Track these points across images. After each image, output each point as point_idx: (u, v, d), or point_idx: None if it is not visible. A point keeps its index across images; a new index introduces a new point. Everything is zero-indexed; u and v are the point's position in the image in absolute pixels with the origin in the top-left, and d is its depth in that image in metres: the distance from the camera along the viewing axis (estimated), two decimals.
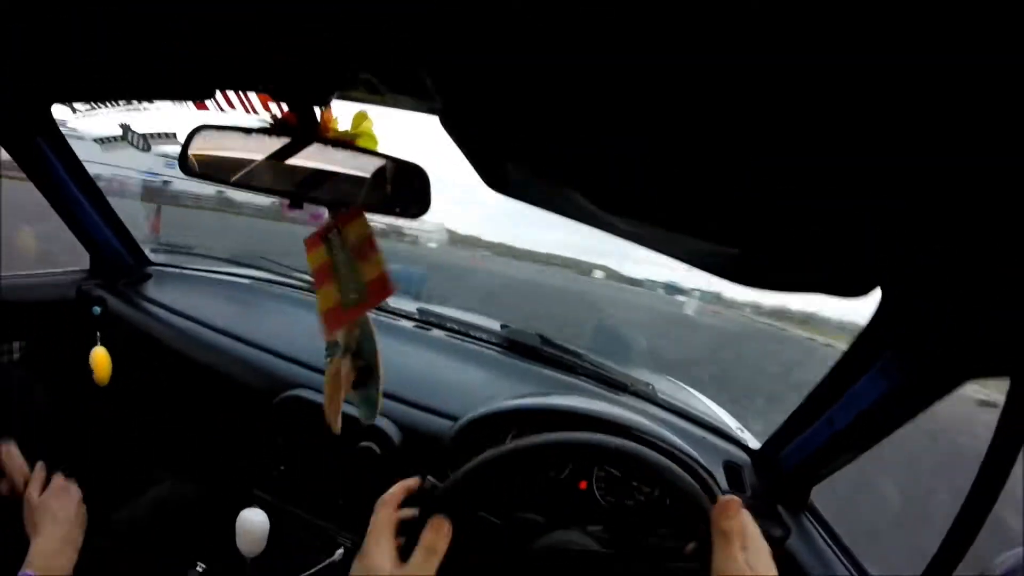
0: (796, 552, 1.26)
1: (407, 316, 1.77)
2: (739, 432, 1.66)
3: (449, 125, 0.80)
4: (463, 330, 1.75)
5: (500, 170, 0.91)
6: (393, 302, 1.83)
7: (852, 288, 0.95)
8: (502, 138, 0.82)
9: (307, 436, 1.32)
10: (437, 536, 0.69)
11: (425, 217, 0.98)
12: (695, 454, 1.25)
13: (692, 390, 2.22)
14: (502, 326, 1.78)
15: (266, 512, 1.32)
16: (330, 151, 0.92)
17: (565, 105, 0.67)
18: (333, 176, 0.95)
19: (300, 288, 1.80)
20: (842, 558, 1.23)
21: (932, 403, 1.02)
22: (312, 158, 0.93)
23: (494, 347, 1.70)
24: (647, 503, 1.22)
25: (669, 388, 2.03)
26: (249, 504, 1.34)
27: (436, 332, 1.72)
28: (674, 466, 0.85)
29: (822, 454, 1.25)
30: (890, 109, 0.45)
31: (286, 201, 0.97)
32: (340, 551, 1.32)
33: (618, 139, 0.71)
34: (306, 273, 1.81)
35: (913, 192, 0.60)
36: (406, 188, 0.96)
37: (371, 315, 1.66)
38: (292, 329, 1.57)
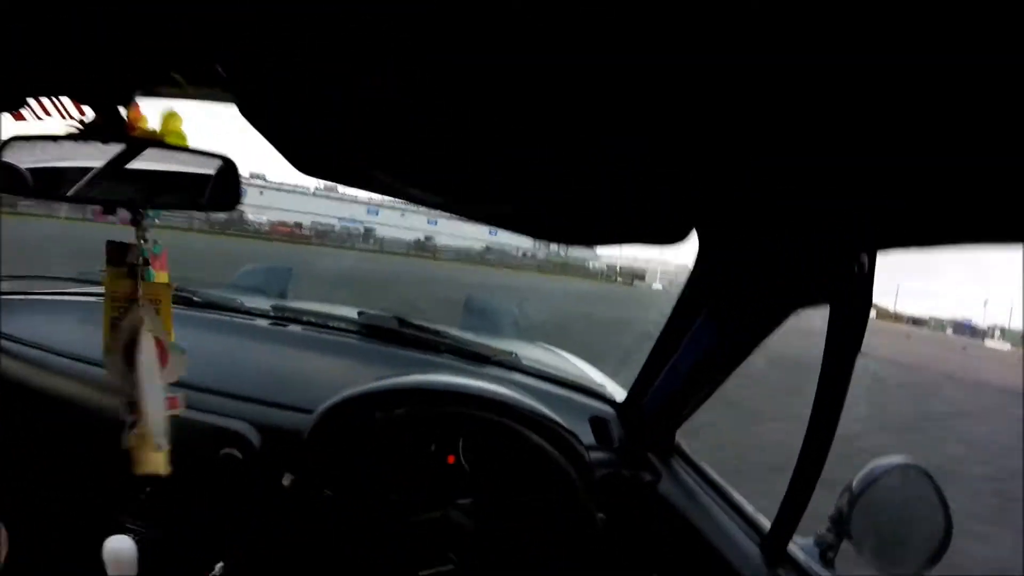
0: (668, 494, 1.30)
1: (262, 314, 1.69)
2: (604, 387, 1.71)
3: (248, 114, 0.82)
4: (320, 321, 1.70)
5: (303, 153, 0.93)
6: (251, 302, 1.76)
7: (669, 235, 0.99)
8: (298, 123, 0.86)
9: (168, 452, 1.29)
10: None
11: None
12: (552, 415, 1.26)
13: (562, 352, 2.26)
14: (359, 313, 1.74)
15: (136, 537, 1.28)
16: (139, 151, 0.91)
17: (355, 87, 0.73)
18: (142, 176, 0.93)
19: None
20: (711, 493, 1.27)
21: (761, 339, 1.06)
22: (121, 160, 0.90)
23: (352, 335, 1.67)
24: (514, 465, 1.22)
25: (538, 353, 2.07)
26: (117, 532, 1.28)
27: (293, 327, 1.66)
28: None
29: (675, 399, 1.29)
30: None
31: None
32: (219, 565, 1.29)
33: (408, 114, 0.77)
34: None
35: (714, 135, 0.65)
36: (218, 181, 0.97)
37: (224, 316, 1.63)
38: None
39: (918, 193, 0.63)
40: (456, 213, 1.13)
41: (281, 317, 1.70)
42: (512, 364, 1.65)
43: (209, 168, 0.96)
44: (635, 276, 46.04)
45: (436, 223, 41.81)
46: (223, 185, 0.97)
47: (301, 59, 0.69)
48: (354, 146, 0.91)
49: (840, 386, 0.89)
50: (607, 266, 50.93)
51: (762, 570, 1.00)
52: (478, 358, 1.64)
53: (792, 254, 0.90)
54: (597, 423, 1.45)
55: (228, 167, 0.96)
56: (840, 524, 1.00)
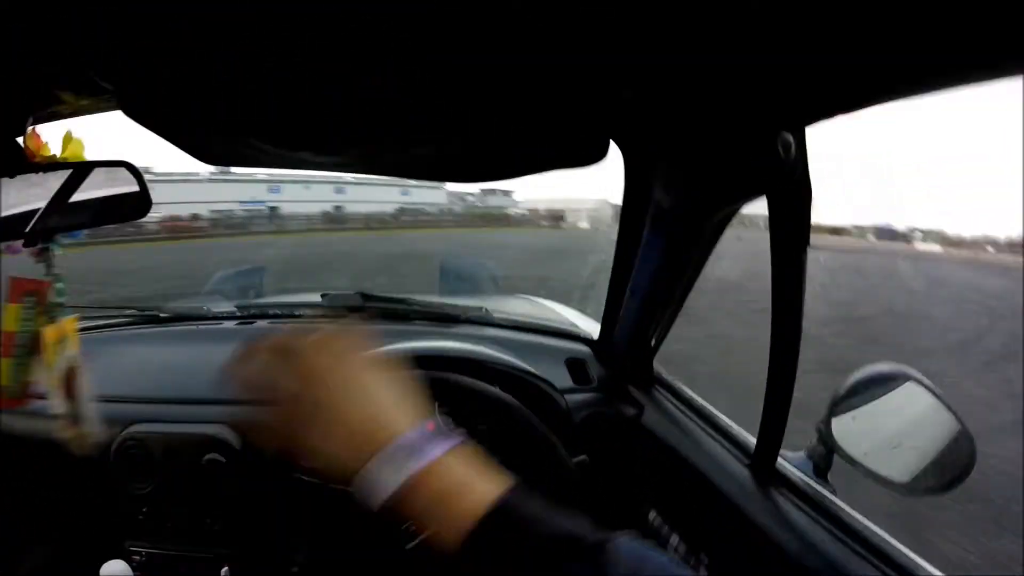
0: (652, 425, 1.28)
1: (227, 316, 1.69)
2: (579, 327, 1.70)
3: (134, 115, 0.83)
4: (285, 312, 1.68)
5: (196, 141, 0.93)
6: (218, 307, 1.76)
7: (589, 154, 0.95)
8: (186, 114, 0.86)
9: (155, 468, 1.28)
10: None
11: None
12: (521, 365, 1.26)
13: (539, 299, 2.27)
14: (322, 295, 1.73)
15: (139, 559, 1.28)
16: (44, 178, 0.86)
17: (229, 64, 0.73)
18: (53, 203, 0.87)
19: (119, 325, 1.69)
20: (695, 419, 1.24)
21: (709, 243, 1.05)
22: (27, 190, 0.85)
23: (319, 319, 1.64)
24: (491, 422, 1.18)
25: (513, 305, 2.08)
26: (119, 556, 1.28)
27: (259, 323, 1.64)
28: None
29: (642, 324, 1.27)
30: None
31: None
32: (225, 570, 1.30)
33: (295, 79, 0.76)
34: (124, 307, 1.73)
35: (615, 37, 0.63)
36: (124, 192, 0.93)
37: (192, 327, 1.62)
38: (119, 369, 1.46)
39: (828, 57, 0.60)
40: (368, 171, 1.10)
41: (247, 316, 1.69)
42: (484, 319, 1.65)
43: (114, 178, 0.92)
44: (556, 218, 43.18)
45: (343, 190, 38.27)
46: (132, 192, 0.93)
47: (172, 49, 0.69)
48: (248, 125, 0.89)
49: (795, 284, 0.84)
50: (527, 211, 48.18)
51: (753, 491, 0.97)
52: (448, 319, 1.63)
53: (715, 148, 0.86)
54: (574, 364, 1.44)
55: (133, 172, 0.92)
56: (825, 435, 0.95)
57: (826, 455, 0.96)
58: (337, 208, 38.12)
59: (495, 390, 1.11)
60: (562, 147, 0.96)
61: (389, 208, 39.05)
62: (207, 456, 1.23)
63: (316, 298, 1.75)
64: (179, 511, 1.29)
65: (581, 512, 0.61)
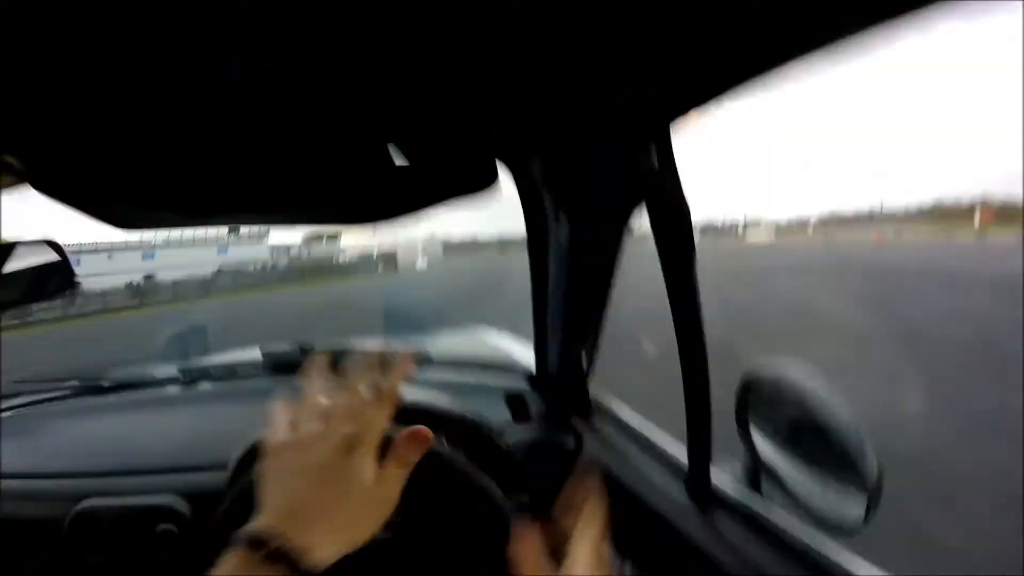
0: (593, 456, 1.29)
1: (171, 380, 1.66)
2: (518, 359, 1.71)
3: (50, 193, 0.82)
4: (227, 372, 1.67)
5: (108, 210, 0.92)
6: (162, 371, 1.72)
7: (481, 177, 0.96)
8: (87, 185, 0.85)
9: (109, 541, 1.23)
10: (414, 445, 0.65)
11: None
12: (460, 411, 1.25)
13: (481, 331, 2.26)
14: (262, 351, 1.70)
15: None
16: None
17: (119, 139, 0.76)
18: None
19: (64, 398, 1.64)
20: (633, 445, 1.26)
21: (612, 257, 1.06)
22: None
23: (261, 376, 1.64)
24: (432, 470, 1.22)
25: (456, 341, 2.10)
26: None
27: (203, 385, 1.63)
28: None
29: (569, 351, 1.29)
30: None
31: None
32: None
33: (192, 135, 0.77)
34: (66, 379, 1.67)
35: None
36: (47, 267, 0.92)
37: (135, 394, 1.59)
38: (68, 443, 1.44)
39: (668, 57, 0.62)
40: (272, 223, 1.11)
41: (189, 379, 1.66)
42: (423, 360, 1.65)
43: (36, 256, 0.91)
44: (389, 259, 40.11)
45: (153, 256, 32.47)
46: (53, 269, 0.92)
47: (77, 122, 0.70)
48: (150, 194, 0.88)
49: (689, 293, 0.87)
50: (359, 257, 43.91)
51: (692, 514, 1.00)
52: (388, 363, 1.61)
53: (584, 162, 0.88)
54: (512, 400, 1.44)
55: (56, 250, 0.91)
56: (748, 448, 0.98)
57: (753, 469, 0.98)
58: (147, 278, 31.40)
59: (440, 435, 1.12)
60: (452, 174, 0.96)
61: (203, 271, 32.56)
62: (160, 526, 1.20)
63: (258, 354, 1.72)
64: None
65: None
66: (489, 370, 1.62)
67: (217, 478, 1.21)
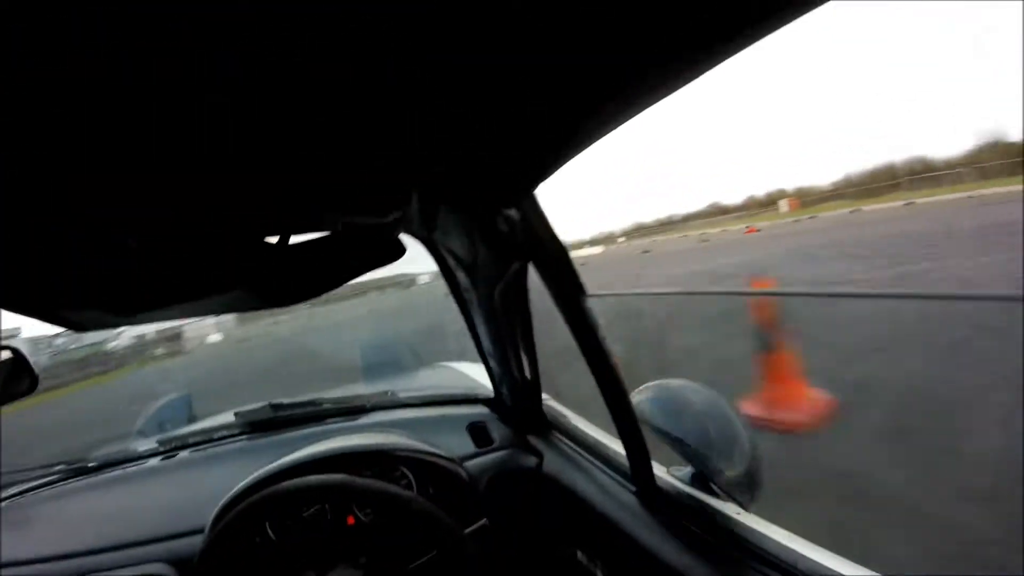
0: (553, 471, 1.34)
1: (152, 454, 1.71)
2: (481, 387, 1.74)
3: (17, 309, 0.85)
4: (204, 438, 1.72)
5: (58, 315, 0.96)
6: (144, 444, 1.77)
7: (389, 252, 1.00)
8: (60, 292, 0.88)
9: None
10: None
11: None
12: (422, 447, 1.33)
13: (451, 364, 2.32)
14: (235, 414, 1.75)
15: None
16: None
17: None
18: None
19: (51, 484, 1.68)
20: (586, 455, 1.30)
21: (518, 287, 1.12)
22: None
23: (237, 438, 1.69)
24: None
25: (423, 378, 2.17)
26: None
27: (182, 454, 1.68)
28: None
29: (512, 372, 1.35)
30: None
31: None
32: None
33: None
34: (52, 465, 1.73)
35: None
36: (10, 371, 0.97)
37: (119, 471, 1.63)
38: (59, 526, 1.48)
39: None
40: (202, 315, 1.17)
41: (169, 449, 1.71)
42: (390, 403, 1.71)
43: None
44: None
45: None
46: (16, 372, 0.98)
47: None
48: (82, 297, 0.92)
49: (587, 325, 0.94)
50: None
51: (641, 515, 1.05)
52: (357, 410, 1.68)
53: (460, 231, 0.98)
54: (475, 428, 1.51)
55: (15, 354, 0.96)
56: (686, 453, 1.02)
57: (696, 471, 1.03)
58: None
59: (366, 483, 1.13)
60: (361, 254, 1.01)
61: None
62: None
63: (231, 417, 1.76)
64: None
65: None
66: (453, 404, 1.68)
67: (200, 541, 1.26)
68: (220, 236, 0.83)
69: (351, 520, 1.27)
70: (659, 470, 1.08)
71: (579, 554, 1.27)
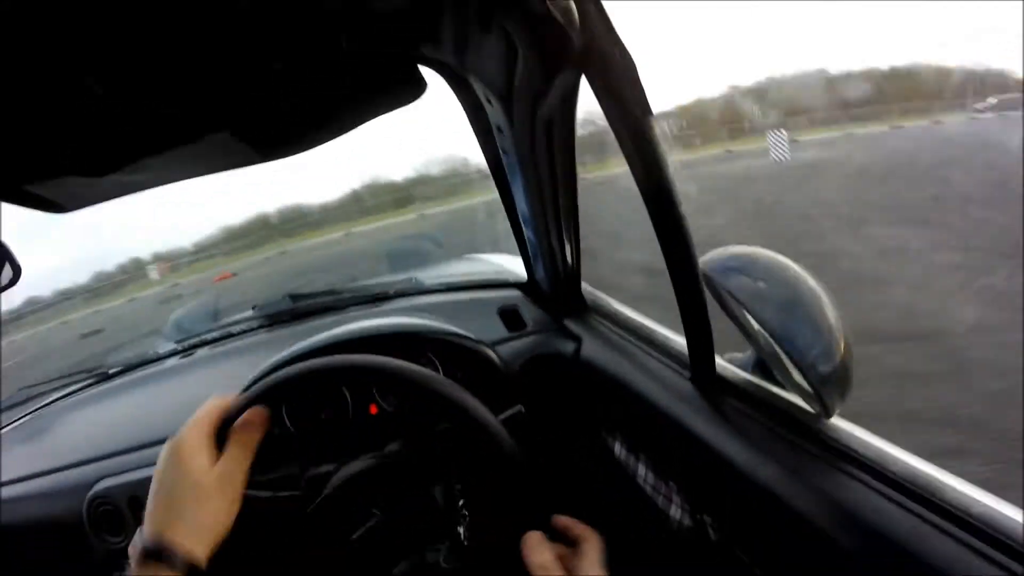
0: (593, 357, 1.26)
1: (169, 354, 1.70)
2: (511, 272, 1.70)
3: None
4: (222, 335, 1.69)
5: (46, 196, 0.91)
6: (164, 346, 1.76)
7: (407, 86, 0.92)
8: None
9: (125, 519, 1.25)
10: (249, 428, 0.72)
11: None
12: (450, 329, 1.25)
13: (479, 256, 2.29)
14: (253, 308, 1.73)
15: None
16: None
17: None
18: None
19: (73, 393, 1.68)
20: (633, 340, 1.20)
21: (563, 143, 0.99)
22: None
23: (256, 331, 1.66)
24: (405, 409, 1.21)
25: (451, 268, 2.13)
26: None
27: (200, 351, 1.66)
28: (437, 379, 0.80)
29: (550, 251, 1.26)
30: None
31: None
32: None
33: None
34: (72, 374, 1.72)
35: None
36: None
37: (139, 374, 1.62)
38: (79, 434, 1.48)
39: None
40: (202, 173, 1.07)
41: (186, 348, 1.70)
42: (413, 289, 1.65)
43: None
44: None
45: None
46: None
47: None
48: (58, 164, 0.85)
49: (655, 163, 0.77)
50: None
51: (699, 404, 0.94)
52: (379, 297, 1.62)
53: (497, 36, 0.78)
54: (506, 312, 1.44)
55: None
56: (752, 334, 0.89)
57: (758, 354, 0.92)
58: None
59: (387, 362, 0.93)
60: (376, 87, 0.91)
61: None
62: None
63: (249, 312, 1.74)
64: None
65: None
66: (482, 288, 1.60)
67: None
68: (203, 64, 0.71)
69: (374, 409, 1.20)
70: (716, 357, 0.95)
71: (616, 446, 1.19)
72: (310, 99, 0.87)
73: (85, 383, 1.69)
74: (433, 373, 0.81)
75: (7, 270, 0.92)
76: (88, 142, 0.82)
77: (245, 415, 0.73)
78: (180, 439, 0.70)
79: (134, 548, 0.61)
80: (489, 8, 0.71)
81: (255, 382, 1.13)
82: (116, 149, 0.86)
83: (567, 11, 0.64)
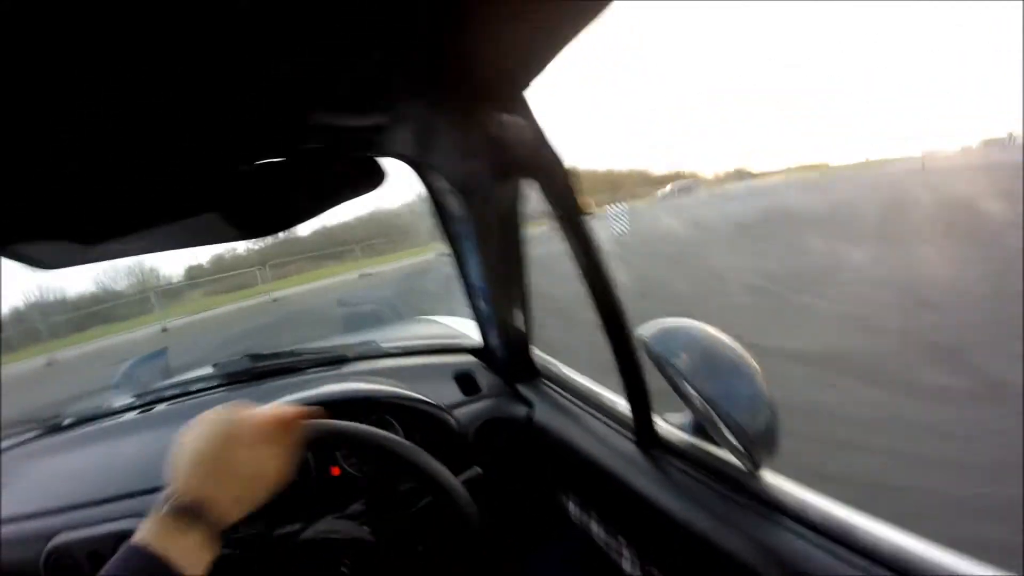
0: (544, 421, 1.31)
1: (128, 408, 1.65)
2: (468, 337, 1.72)
3: None
4: (181, 391, 1.66)
5: (31, 255, 0.93)
6: (120, 400, 1.69)
7: (373, 176, 0.98)
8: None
9: (84, 574, 1.22)
10: (299, 441, 0.76)
11: None
12: (408, 394, 1.28)
13: (436, 318, 2.29)
14: (214, 366, 1.71)
15: None
16: None
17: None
18: None
19: (25, 442, 1.60)
20: (580, 404, 1.27)
21: (511, 224, 1.09)
22: None
23: (217, 390, 1.64)
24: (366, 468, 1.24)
25: (408, 329, 2.15)
26: None
27: (159, 407, 1.62)
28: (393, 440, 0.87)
29: (503, 319, 1.32)
30: None
31: None
32: None
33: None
34: (24, 422, 1.66)
35: None
36: None
37: (94, 427, 1.57)
38: (33, 484, 1.42)
39: None
40: (181, 247, 1.12)
41: (145, 403, 1.65)
42: (372, 352, 1.66)
43: None
44: None
45: None
46: None
47: None
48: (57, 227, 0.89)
49: (590, 252, 0.88)
50: None
51: (643, 464, 1.00)
52: (338, 360, 1.63)
53: (453, 145, 0.90)
54: (461, 377, 1.47)
55: None
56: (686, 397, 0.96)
57: (695, 415, 0.98)
58: None
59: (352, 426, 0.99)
60: (342, 179, 0.98)
61: None
62: None
63: (210, 370, 1.72)
64: None
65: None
66: (438, 353, 1.63)
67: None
68: (188, 152, 0.77)
69: (336, 471, 1.22)
70: (656, 418, 1.03)
71: (570, 505, 1.24)
72: (285, 189, 0.94)
73: (37, 432, 1.63)
74: (403, 440, 0.87)
75: None
76: (86, 213, 0.86)
77: (304, 429, 0.78)
78: (240, 419, 0.72)
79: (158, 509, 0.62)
80: (444, 118, 0.83)
81: None
82: (111, 220, 0.89)
83: (510, 124, 0.76)
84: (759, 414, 0.80)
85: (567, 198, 0.84)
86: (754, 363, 0.83)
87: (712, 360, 0.85)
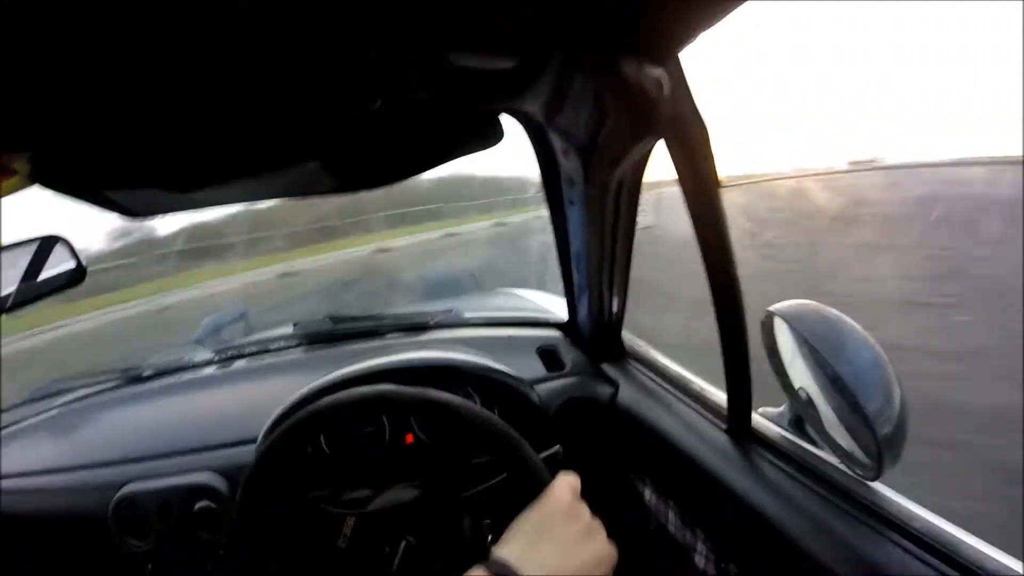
0: (629, 403, 1.26)
1: (207, 362, 1.69)
2: (551, 312, 1.70)
3: (50, 184, 0.83)
4: (260, 348, 1.69)
5: (111, 199, 0.94)
6: (200, 354, 1.74)
7: (487, 133, 0.95)
8: (90, 175, 0.87)
9: (151, 524, 1.26)
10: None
11: None
12: (491, 365, 1.26)
13: (517, 291, 2.27)
14: (294, 325, 1.74)
15: None
16: None
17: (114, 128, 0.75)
18: None
19: (106, 391, 1.67)
20: (670, 389, 1.22)
21: (629, 198, 1.04)
22: None
23: (294, 349, 1.66)
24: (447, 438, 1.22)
25: (491, 301, 2.13)
26: None
27: (237, 363, 1.65)
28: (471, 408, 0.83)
29: (598, 297, 1.27)
30: None
31: None
32: None
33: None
34: (104, 372, 1.71)
35: None
36: (55, 261, 0.92)
37: (174, 379, 1.62)
38: (109, 433, 1.48)
39: None
40: (278, 196, 1.10)
41: (224, 358, 1.69)
42: (453, 321, 1.65)
43: (43, 252, 0.91)
44: None
45: None
46: (63, 262, 0.92)
47: (75, 118, 0.70)
48: (152, 176, 0.89)
49: (716, 228, 0.81)
50: None
51: (733, 456, 0.95)
52: (419, 327, 1.63)
53: (589, 98, 0.82)
54: (545, 352, 1.44)
55: (60, 244, 0.91)
56: (790, 389, 0.92)
57: (795, 409, 0.94)
58: None
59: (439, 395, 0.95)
60: (458, 133, 0.94)
61: None
62: (198, 504, 1.22)
63: (289, 329, 1.74)
64: (180, 562, 1.28)
65: None
66: (522, 326, 1.60)
67: (251, 452, 1.23)
68: (306, 99, 0.75)
69: (410, 438, 1.21)
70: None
71: (647, 492, 1.19)
72: (396, 139, 0.91)
73: (117, 383, 1.68)
74: (485, 410, 0.83)
75: (70, 267, 0.96)
76: (181, 159, 0.86)
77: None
78: (570, 496, 0.72)
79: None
80: (586, 70, 0.76)
81: (303, 400, 1.17)
82: (206, 167, 0.89)
83: (658, 80, 0.69)
84: (893, 416, 0.71)
85: (703, 166, 0.77)
86: (884, 353, 0.75)
87: (854, 349, 0.76)
